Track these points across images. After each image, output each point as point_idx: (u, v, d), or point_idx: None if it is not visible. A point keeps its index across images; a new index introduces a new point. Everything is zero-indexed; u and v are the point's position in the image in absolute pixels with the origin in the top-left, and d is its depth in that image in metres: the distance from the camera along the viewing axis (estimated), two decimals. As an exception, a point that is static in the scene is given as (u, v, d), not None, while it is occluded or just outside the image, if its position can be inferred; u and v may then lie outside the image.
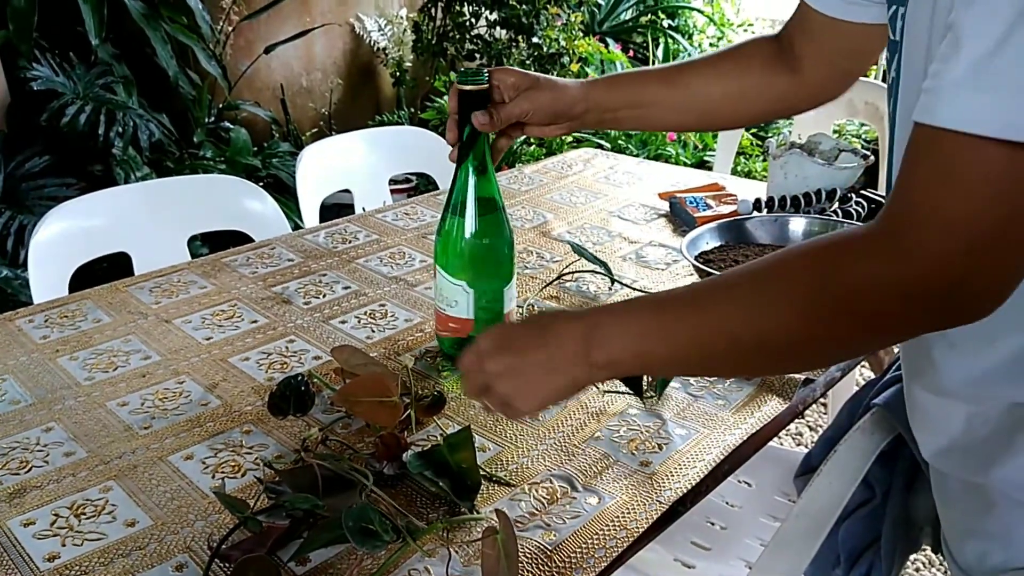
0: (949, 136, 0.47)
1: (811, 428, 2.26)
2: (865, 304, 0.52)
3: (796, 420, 1.93)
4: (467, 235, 0.88)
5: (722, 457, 0.76)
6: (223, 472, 0.75)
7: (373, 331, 1.00)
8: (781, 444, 2.18)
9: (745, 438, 0.79)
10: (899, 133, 0.63)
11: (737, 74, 0.89)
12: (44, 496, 0.72)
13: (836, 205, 1.24)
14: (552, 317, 0.64)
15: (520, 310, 1.03)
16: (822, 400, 2.01)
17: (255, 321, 1.03)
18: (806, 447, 2.15)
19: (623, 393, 0.84)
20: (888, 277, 0.50)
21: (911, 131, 0.50)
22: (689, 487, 0.72)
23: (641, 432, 0.80)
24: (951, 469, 0.67)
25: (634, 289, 1.09)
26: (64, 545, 0.66)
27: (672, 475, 0.74)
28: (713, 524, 1.23)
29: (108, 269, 1.39)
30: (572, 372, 0.61)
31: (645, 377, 0.81)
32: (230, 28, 2.92)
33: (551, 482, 0.73)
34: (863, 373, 2.25)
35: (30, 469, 0.76)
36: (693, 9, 4.35)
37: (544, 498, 0.71)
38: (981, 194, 0.47)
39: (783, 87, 0.88)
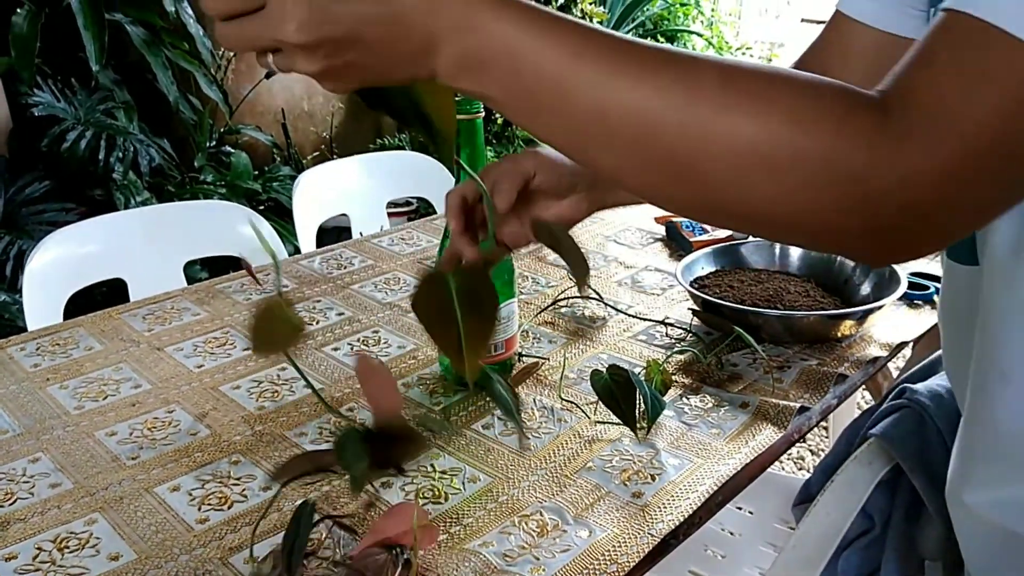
0: (977, 26, 0.40)
1: (813, 452, 2.24)
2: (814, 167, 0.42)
3: (798, 445, 1.91)
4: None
5: (715, 488, 0.75)
6: (210, 504, 0.74)
7: (366, 358, 0.99)
8: (782, 469, 2.16)
9: (739, 468, 0.78)
10: None
11: None
12: (28, 529, 0.71)
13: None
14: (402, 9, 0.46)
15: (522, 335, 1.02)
16: (823, 424, 1.99)
17: (247, 348, 1.02)
18: (808, 472, 2.13)
19: (615, 424, 0.82)
20: (862, 149, 0.41)
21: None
22: (682, 519, 0.71)
23: (634, 462, 0.79)
24: (1002, 519, 0.62)
25: (629, 315, 1.08)
26: (46, 580, 0.65)
27: (664, 507, 0.72)
28: (712, 552, 1.21)
29: (106, 295, 1.38)
30: (406, 72, 0.47)
31: (637, 408, 0.80)
32: (231, 53, 2.94)
33: (541, 514, 0.71)
34: (864, 396, 2.24)
35: (15, 501, 0.75)
36: (692, 33, 4.39)
37: (534, 531, 0.70)
38: (997, 95, 0.39)
39: None
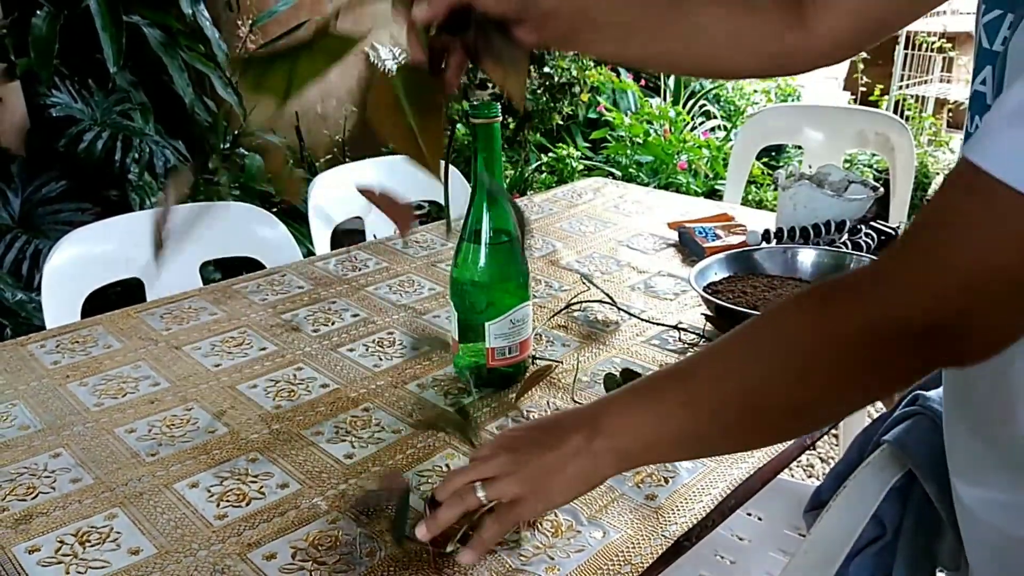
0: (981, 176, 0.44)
1: (823, 460, 2.24)
2: (858, 353, 0.51)
3: (807, 452, 1.91)
4: (481, 264, 0.88)
5: (729, 491, 0.76)
6: (228, 501, 0.75)
7: (381, 359, 1.00)
8: (792, 476, 2.16)
9: (752, 472, 0.78)
10: None
11: (745, 12, 0.75)
12: (50, 523, 0.72)
13: (845, 236, 1.23)
14: (556, 417, 0.64)
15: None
16: (833, 431, 1.99)
17: (264, 348, 1.03)
18: (817, 479, 2.13)
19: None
20: (878, 317, 0.49)
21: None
22: (695, 521, 0.72)
23: (647, 465, 0.79)
24: (997, 521, 0.64)
25: (642, 320, 1.09)
26: (68, 573, 0.66)
27: (678, 509, 0.73)
28: (722, 558, 1.22)
29: (121, 294, 1.40)
30: (579, 466, 0.61)
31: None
32: (247, 56, 2.96)
33: (556, 515, 0.72)
34: (875, 404, 2.23)
35: (36, 495, 0.76)
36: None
37: (548, 531, 0.70)
38: (986, 237, 0.45)
39: (793, 38, 0.74)
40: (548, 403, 0.90)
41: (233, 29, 2.96)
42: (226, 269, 2.13)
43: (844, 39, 0.74)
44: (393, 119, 0.58)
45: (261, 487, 0.77)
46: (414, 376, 0.96)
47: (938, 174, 3.73)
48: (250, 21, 2.95)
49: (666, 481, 0.77)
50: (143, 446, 0.83)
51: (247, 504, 0.74)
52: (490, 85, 3.22)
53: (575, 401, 0.90)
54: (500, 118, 0.85)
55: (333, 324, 1.10)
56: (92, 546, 0.69)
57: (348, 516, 0.72)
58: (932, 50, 3.88)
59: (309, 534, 0.70)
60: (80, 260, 1.28)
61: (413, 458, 0.81)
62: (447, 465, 0.79)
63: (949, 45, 3.84)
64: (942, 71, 4.24)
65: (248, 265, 1.45)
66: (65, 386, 0.95)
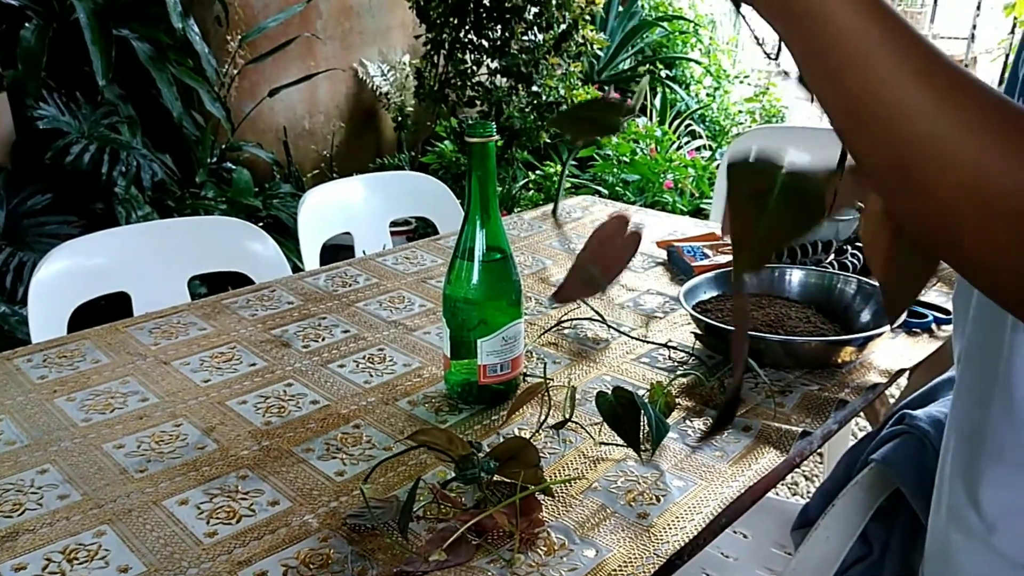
0: None
1: (807, 478, 2.25)
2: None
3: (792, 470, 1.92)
4: (474, 281, 0.89)
5: (720, 510, 0.76)
6: (218, 518, 0.74)
7: (371, 375, 1.00)
8: (777, 494, 2.17)
9: (743, 491, 0.79)
10: None
11: None
12: (37, 540, 0.71)
13: (832, 257, 1.25)
14: None
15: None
16: (818, 450, 2.00)
17: (253, 364, 1.03)
18: (802, 497, 2.14)
19: (620, 445, 0.84)
20: None
21: None
22: (687, 540, 0.72)
23: (639, 483, 0.79)
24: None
25: (632, 337, 1.09)
26: (55, 591, 0.66)
27: (670, 527, 0.73)
28: (709, 575, 1.22)
29: (107, 308, 1.39)
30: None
31: (642, 430, 0.81)
32: (235, 71, 2.97)
33: (549, 534, 0.72)
34: (859, 423, 2.25)
35: (23, 512, 0.75)
36: (690, 60, 4.44)
37: (542, 550, 0.70)
38: None
39: None
40: (539, 420, 0.90)
41: (222, 44, 2.97)
42: (212, 283, 2.13)
43: None
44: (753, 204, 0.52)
45: (251, 504, 0.76)
46: (405, 393, 0.96)
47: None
48: (240, 36, 2.95)
49: (658, 499, 0.77)
50: (132, 462, 0.83)
51: (237, 521, 0.74)
52: (478, 103, 3.24)
53: (569, 420, 0.90)
54: (495, 137, 0.86)
55: (323, 340, 1.09)
56: (80, 564, 0.69)
57: (340, 534, 0.72)
58: (914, 73, 3.95)
59: (300, 552, 0.70)
60: (67, 273, 1.28)
61: (405, 475, 0.80)
62: (438, 483, 0.79)
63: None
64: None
65: (234, 280, 1.45)
66: (52, 401, 0.94)
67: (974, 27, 3.84)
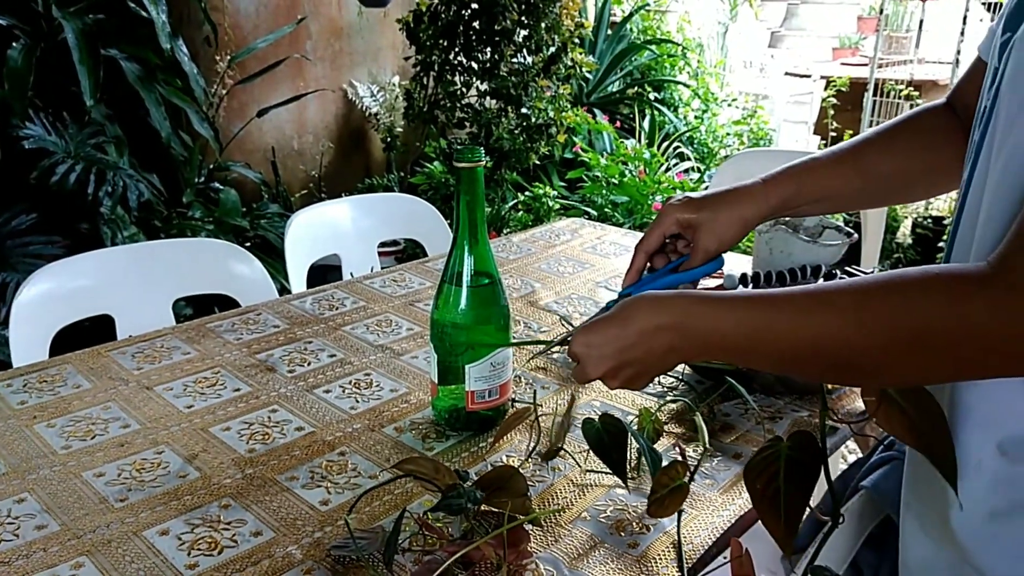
0: None
1: (797, 501, 2.23)
2: (949, 345, 0.53)
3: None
4: (462, 306, 0.88)
5: (711, 541, 0.75)
6: (199, 549, 0.73)
7: (357, 401, 0.99)
8: (767, 518, 2.15)
9: (733, 520, 0.78)
10: (994, 163, 0.60)
11: (912, 153, 0.84)
12: (12, 572, 0.69)
13: (820, 281, 1.25)
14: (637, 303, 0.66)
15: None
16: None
17: (238, 389, 1.01)
18: (792, 521, 2.12)
19: (608, 473, 0.82)
20: (983, 325, 0.51)
21: None
22: (678, 571, 0.71)
23: (628, 512, 0.78)
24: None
25: (621, 362, 1.08)
26: (30, 626, 0.64)
27: (661, 558, 0.72)
28: (699, 604, 1.20)
29: (90, 329, 1.37)
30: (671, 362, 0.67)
31: (628, 458, 0.80)
32: (224, 91, 2.96)
33: (536, 565, 0.71)
34: (849, 446, 2.24)
35: (-1, 543, 0.73)
36: (679, 83, 4.47)
37: (529, 581, 0.69)
38: None
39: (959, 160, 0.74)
40: (527, 447, 0.89)
41: (211, 64, 2.97)
42: (198, 305, 2.11)
43: None
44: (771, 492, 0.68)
45: (234, 535, 0.75)
46: (391, 419, 0.95)
47: (907, 218, 3.81)
48: (229, 56, 2.95)
49: (648, 529, 0.76)
50: (112, 491, 0.81)
51: (219, 553, 0.72)
52: (468, 124, 3.25)
53: (555, 446, 0.89)
54: (483, 162, 0.85)
55: (309, 364, 1.08)
56: (56, 597, 0.67)
57: (324, 566, 0.71)
58: (900, 97, 4.00)
59: (283, 584, 0.69)
60: (50, 296, 1.26)
61: (391, 505, 0.79)
62: (427, 513, 0.77)
63: (916, 92, 3.96)
64: (908, 117, 4.36)
65: (220, 301, 1.44)
66: (32, 427, 0.92)
67: (958, 52, 3.89)
